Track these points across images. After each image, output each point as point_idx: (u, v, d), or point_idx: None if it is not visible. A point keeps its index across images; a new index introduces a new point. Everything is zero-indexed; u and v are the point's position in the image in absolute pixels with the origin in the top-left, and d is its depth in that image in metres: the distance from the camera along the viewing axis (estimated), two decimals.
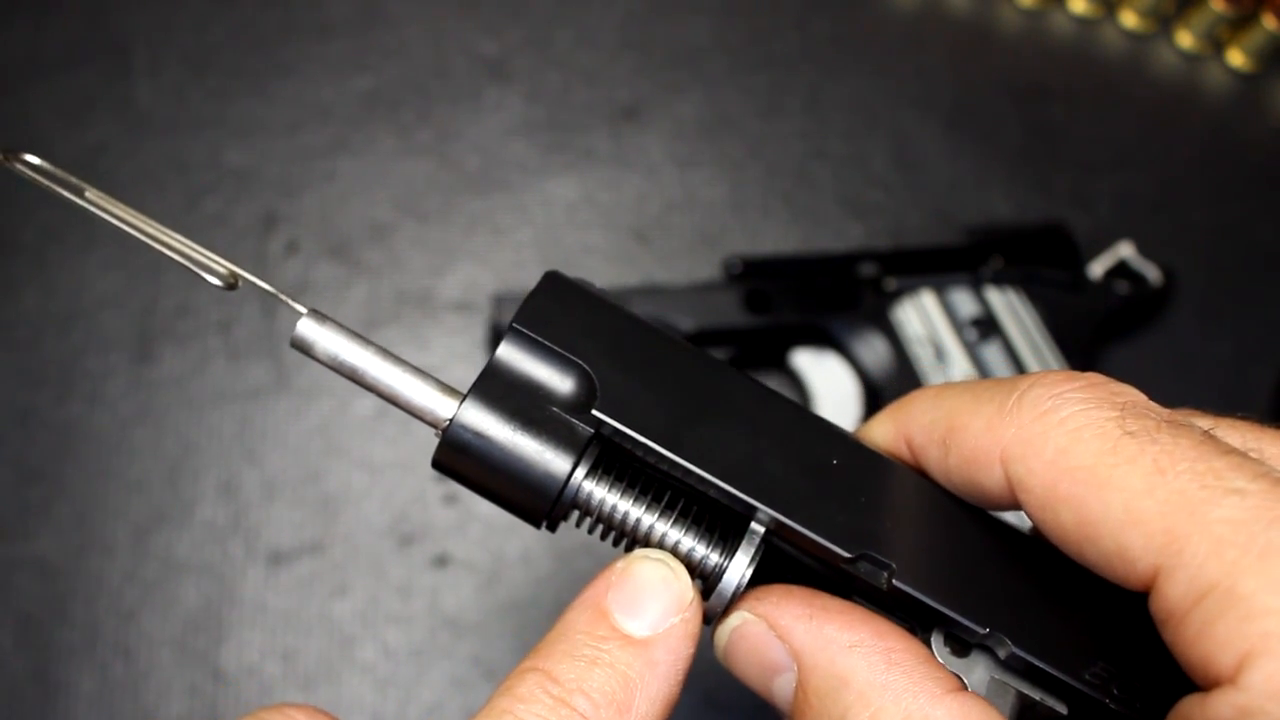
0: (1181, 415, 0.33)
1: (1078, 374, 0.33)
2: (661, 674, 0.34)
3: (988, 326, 0.74)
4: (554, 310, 0.37)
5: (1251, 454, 0.31)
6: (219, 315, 0.78)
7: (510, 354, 0.37)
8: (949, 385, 0.37)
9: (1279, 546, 0.27)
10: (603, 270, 0.81)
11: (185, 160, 0.83)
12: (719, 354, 0.74)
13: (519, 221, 0.83)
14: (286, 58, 0.88)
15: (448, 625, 0.70)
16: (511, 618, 0.70)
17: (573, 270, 0.83)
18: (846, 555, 0.34)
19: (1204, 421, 0.33)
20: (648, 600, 0.35)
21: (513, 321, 0.37)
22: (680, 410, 0.36)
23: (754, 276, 0.76)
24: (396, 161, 0.84)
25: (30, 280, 0.78)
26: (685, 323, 0.73)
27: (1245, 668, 0.27)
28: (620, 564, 0.36)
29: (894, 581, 0.34)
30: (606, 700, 0.33)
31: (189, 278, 0.83)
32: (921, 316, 0.74)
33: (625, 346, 0.37)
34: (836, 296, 0.75)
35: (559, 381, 0.36)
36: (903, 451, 0.38)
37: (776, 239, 0.82)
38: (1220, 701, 0.28)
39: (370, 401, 0.75)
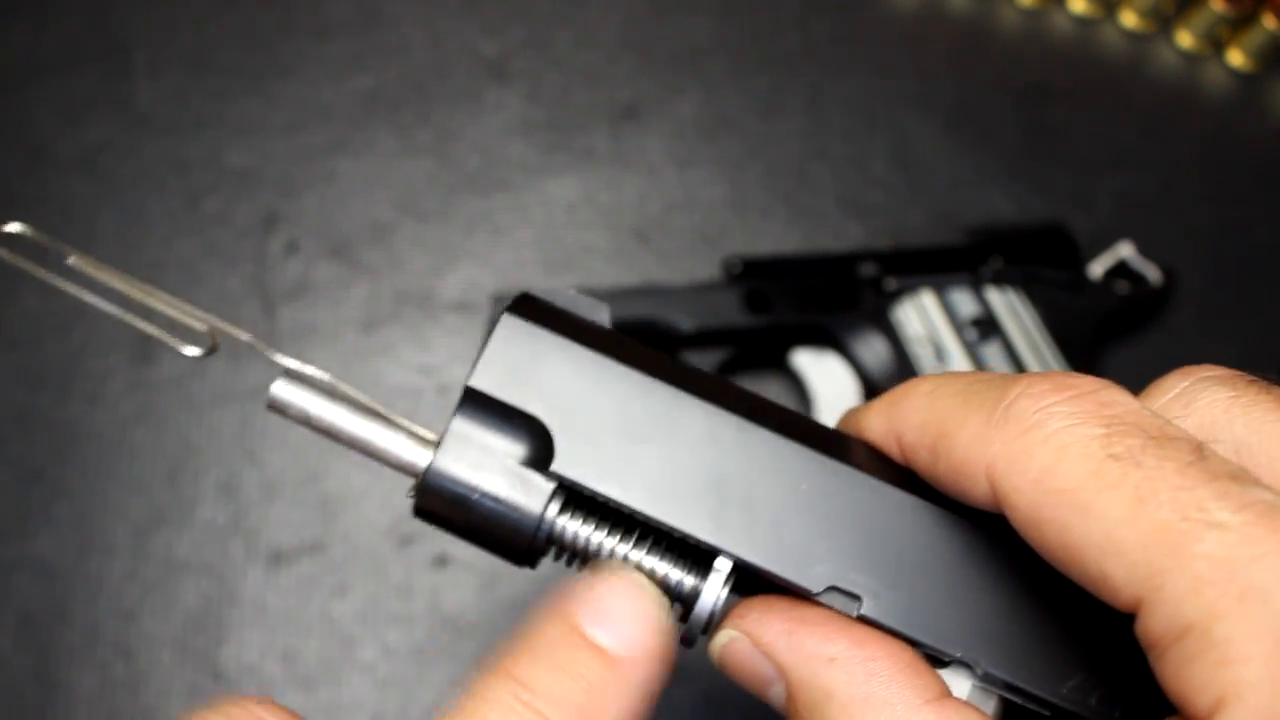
0: (1178, 417, 0.32)
1: (1068, 382, 0.33)
2: (632, 691, 0.34)
3: (988, 326, 0.74)
4: (510, 362, 0.38)
5: (1252, 452, 0.30)
6: (219, 316, 0.77)
7: (471, 413, 0.38)
8: (943, 382, 0.37)
9: (1258, 587, 0.27)
10: (602, 270, 0.81)
11: (185, 160, 0.83)
12: (719, 354, 0.74)
13: (519, 221, 0.83)
14: (286, 58, 0.88)
15: (448, 625, 0.70)
16: (511, 618, 0.70)
17: (573, 270, 0.84)
18: (814, 591, 0.35)
19: (1210, 408, 0.33)
20: (622, 615, 0.35)
21: (467, 382, 0.38)
22: (639, 452, 0.37)
23: (754, 276, 0.75)
24: (396, 161, 0.84)
25: (30, 280, 0.78)
26: (685, 323, 0.73)
27: (1218, 713, 0.27)
28: (593, 576, 0.36)
29: (862, 613, 0.35)
30: (576, 711, 0.33)
31: (188, 278, 0.83)
32: (921, 316, 0.74)
33: (583, 390, 0.37)
34: (836, 296, 0.75)
35: (518, 437, 0.37)
36: (893, 449, 0.38)
37: (776, 239, 0.82)
38: None
39: None
